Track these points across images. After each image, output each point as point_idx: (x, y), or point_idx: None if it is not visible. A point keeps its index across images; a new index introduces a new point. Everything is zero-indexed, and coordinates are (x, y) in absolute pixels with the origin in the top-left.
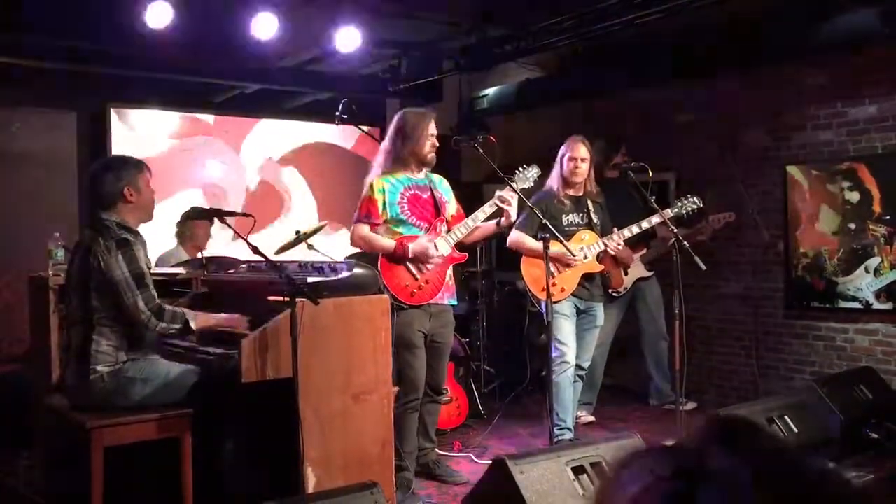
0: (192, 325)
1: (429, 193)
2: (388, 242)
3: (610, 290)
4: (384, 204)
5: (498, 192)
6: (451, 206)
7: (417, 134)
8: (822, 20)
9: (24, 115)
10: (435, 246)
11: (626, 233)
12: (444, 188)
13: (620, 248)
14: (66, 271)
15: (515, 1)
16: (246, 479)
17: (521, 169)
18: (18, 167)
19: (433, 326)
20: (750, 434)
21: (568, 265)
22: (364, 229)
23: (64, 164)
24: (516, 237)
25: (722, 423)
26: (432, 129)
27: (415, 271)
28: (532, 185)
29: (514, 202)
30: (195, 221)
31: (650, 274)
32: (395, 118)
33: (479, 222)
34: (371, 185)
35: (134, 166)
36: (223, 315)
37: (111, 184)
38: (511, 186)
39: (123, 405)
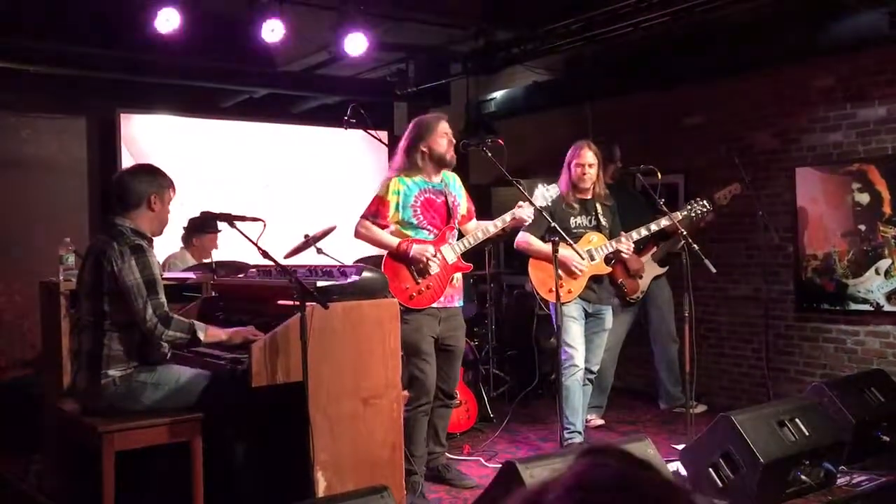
0: (201, 336)
1: (443, 199)
2: (392, 239)
3: (627, 299)
4: (397, 205)
5: (517, 209)
6: (463, 206)
7: (432, 134)
8: (831, 21)
9: (34, 121)
10: (434, 255)
11: (635, 235)
12: (457, 189)
13: (631, 249)
14: (78, 276)
15: (522, 4)
16: (256, 483)
17: (542, 186)
18: (28, 172)
19: (444, 330)
20: (597, 470)
21: (573, 275)
22: (369, 224)
23: (74, 169)
24: (524, 239)
25: (579, 456)
26: (446, 128)
27: (416, 275)
28: (549, 204)
29: (529, 220)
30: (205, 234)
31: (664, 270)
32: (410, 125)
33: (490, 234)
34: (386, 186)
35: (165, 180)
36: (235, 330)
37: (141, 185)
38: (521, 190)
39: (134, 409)
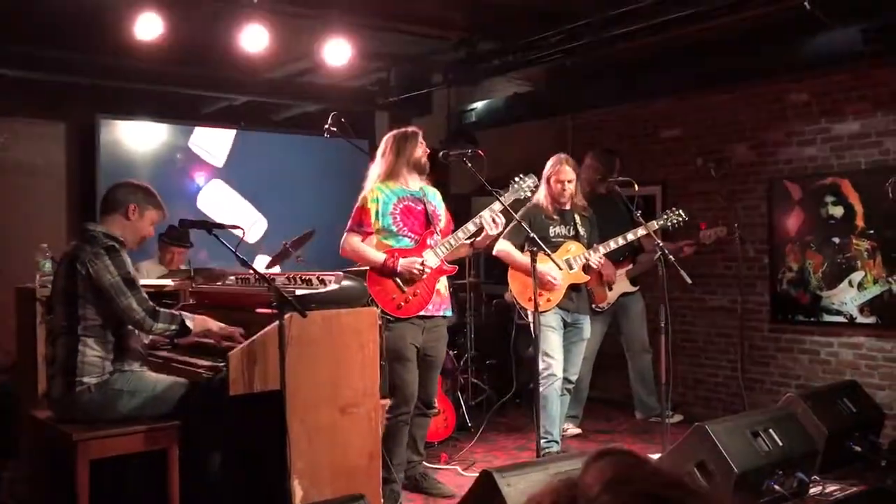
0: (190, 325)
1: (422, 206)
2: (378, 255)
3: (593, 305)
4: (377, 213)
5: (490, 209)
6: (442, 219)
7: (410, 144)
8: (807, 37)
9: (13, 126)
10: (423, 263)
11: (612, 244)
12: (436, 201)
13: (602, 261)
14: (53, 283)
15: (504, 15)
16: (233, 491)
17: (517, 178)
18: (6, 177)
19: (426, 340)
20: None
21: (550, 289)
22: (356, 239)
23: (52, 174)
24: (504, 248)
25: (597, 458)
26: (422, 139)
27: (402, 284)
28: (529, 194)
29: (501, 224)
30: (173, 247)
31: (635, 289)
32: (384, 139)
33: (470, 233)
34: (365, 195)
35: (153, 199)
36: (224, 326)
37: (123, 194)
38: (500, 201)
39: (110, 417)
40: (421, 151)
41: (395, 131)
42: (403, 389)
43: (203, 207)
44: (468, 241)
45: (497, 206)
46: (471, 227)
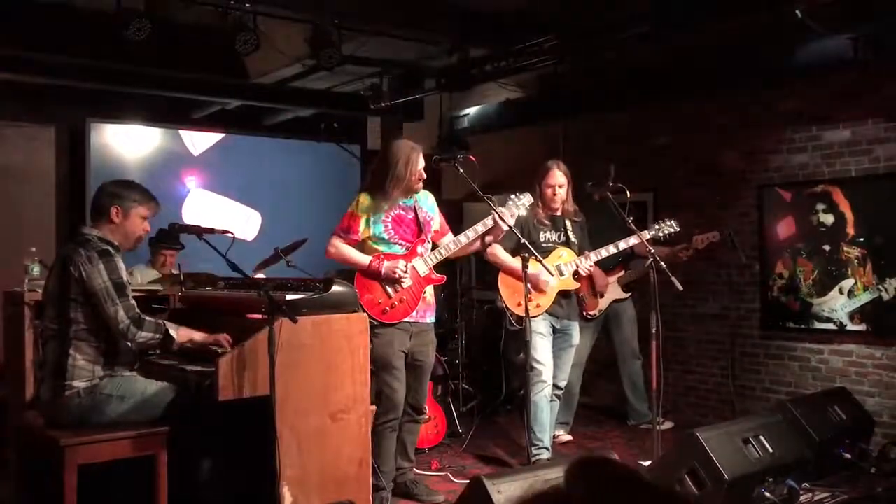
0: (174, 334)
1: (413, 214)
2: (362, 258)
3: (584, 313)
4: (367, 221)
5: (489, 219)
6: (436, 221)
7: (406, 170)
8: (798, 46)
9: (2, 129)
10: (405, 270)
11: (604, 252)
12: (428, 205)
13: (591, 269)
14: (45, 284)
15: (496, 22)
16: (222, 497)
17: (514, 196)
18: None
19: (414, 345)
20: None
21: (542, 291)
22: (340, 242)
23: (42, 178)
24: (495, 251)
25: (579, 466)
26: (421, 162)
27: (389, 289)
28: (524, 212)
29: (504, 228)
30: (163, 250)
31: (627, 296)
32: (383, 149)
33: (462, 245)
34: (357, 202)
35: (135, 193)
36: (208, 335)
37: (105, 198)
38: (496, 212)
39: (99, 422)
40: (416, 178)
41: (396, 146)
42: (391, 397)
43: (188, 219)
44: (479, 238)
45: (489, 219)
46: (462, 239)
